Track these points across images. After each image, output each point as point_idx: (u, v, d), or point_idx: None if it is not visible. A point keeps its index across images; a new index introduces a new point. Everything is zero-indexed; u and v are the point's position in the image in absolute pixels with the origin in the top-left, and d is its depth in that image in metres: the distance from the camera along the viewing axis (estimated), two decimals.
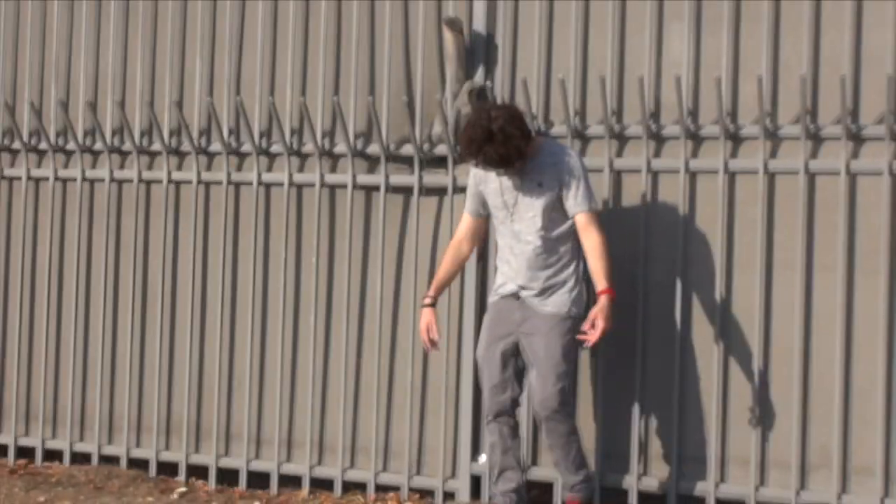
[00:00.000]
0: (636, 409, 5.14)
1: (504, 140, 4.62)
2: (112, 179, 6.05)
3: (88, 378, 6.08)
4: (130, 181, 6.02)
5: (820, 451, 4.93)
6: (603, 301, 4.73)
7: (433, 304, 5.03)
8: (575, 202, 4.79)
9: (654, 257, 5.14)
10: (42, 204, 6.22)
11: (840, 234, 4.89)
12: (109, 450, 6.01)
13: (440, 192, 5.53)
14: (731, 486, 5.02)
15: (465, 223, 5.07)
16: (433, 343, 4.98)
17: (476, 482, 5.38)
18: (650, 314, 5.14)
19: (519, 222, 4.82)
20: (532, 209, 4.80)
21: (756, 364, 4.99)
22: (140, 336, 6.00)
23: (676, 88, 4.97)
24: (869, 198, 4.88)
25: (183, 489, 5.70)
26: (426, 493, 5.47)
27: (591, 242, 4.77)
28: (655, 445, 5.14)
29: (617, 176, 5.22)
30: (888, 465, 4.84)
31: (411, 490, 5.48)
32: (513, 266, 4.87)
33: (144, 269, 6.01)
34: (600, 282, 4.75)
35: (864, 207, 4.89)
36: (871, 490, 4.85)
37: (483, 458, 5.35)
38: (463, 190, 5.40)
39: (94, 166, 6.14)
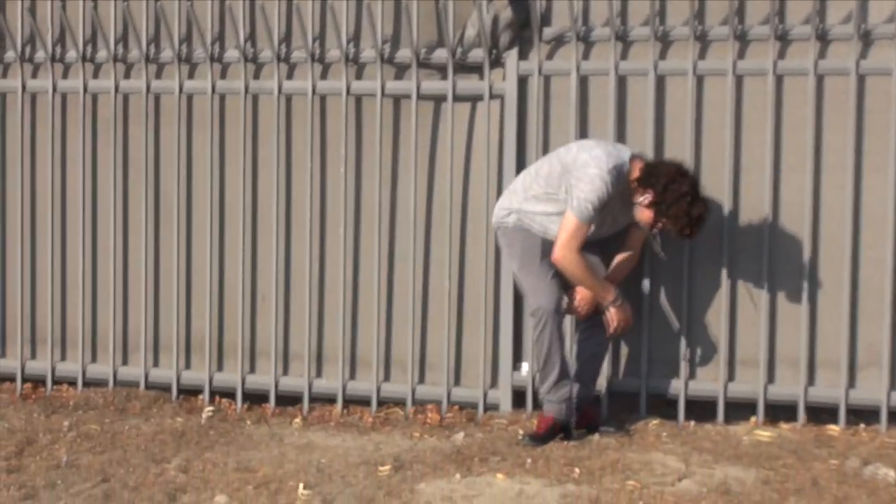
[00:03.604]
0: (684, 315, 5.14)
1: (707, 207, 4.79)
2: (118, 90, 5.76)
3: (99, 298, 5.84)
4: (139, 92, 5.73)
5: (869, 349, 4.99)
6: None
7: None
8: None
9: (702, 161, 5.10)
10: (41, 118, 5.89)
11: (891, 134, 4.91)
12: (125, 371, 5.80)
13: (473, 98, 5.39)
14: (781, 388, 5.07)
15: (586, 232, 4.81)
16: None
17: (517, 393, 5.33)
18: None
19: (607, 229, 4.92)
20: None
21: (805, 265, 5.02)
22: (154, 251, 5.76)
23: None
24: None
25: (210, 409, 5.53)
26: (465, 406, 5.41)
27: (635, 256, 5.02)
28: (703, 350, 5.15)
29: (660, 80, 5.15)
30: None
31: (450, 403, 5.40)
32: None
33: (156, 183, 5.76)
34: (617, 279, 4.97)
35: None
36: None
37: (524, 366, 5.30)
38: (498, 96, 5.31)
39: (95, 76, 5.83)
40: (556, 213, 4.83)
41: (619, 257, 4.98)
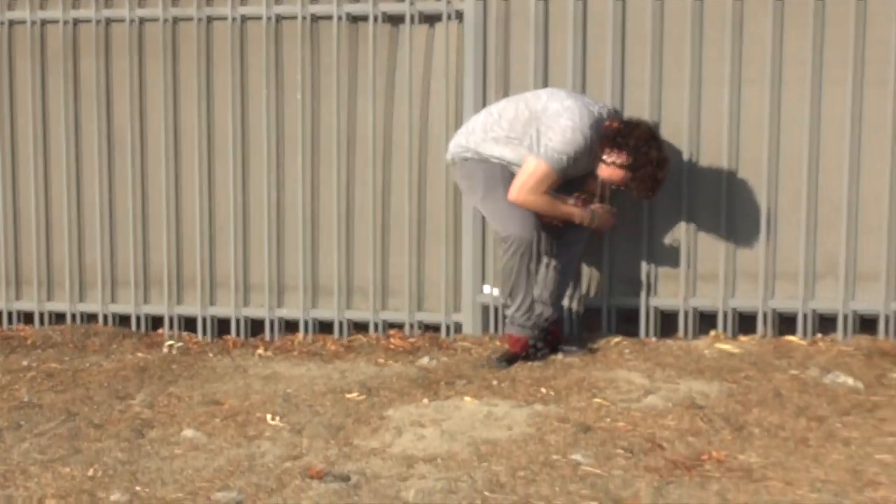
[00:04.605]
0: (645, 230, 5.15)
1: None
2: (66, 20, 5.60)
3: (53, 233, 5.74)
4: (88, 21, 5.58)
5: (827, 258, 5.04)
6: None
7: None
8: None
9: (663, 76, 5.07)
10: None
11: (849, 46, 4.91)
12: (82, 308, 5.73)
13: (431, 19, 5.31)
14: (741, 300, 5.11)
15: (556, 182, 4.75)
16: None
17: (482, 315, 5.33)
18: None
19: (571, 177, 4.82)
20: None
21: (765, 176, 5.03)
22: (108, 184, 5.66)
23: None
24: (877, 8, 4.90)
25: (171, 342, 5.49)
26: (428, 330, 5.41)
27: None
28: (665, 265, 5.17)
29: None
30: (892, 270, 4.99)
31: (413, 328, 5.40)
32: None
33: (108, 115, 5.64)
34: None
35: (874, 19, 4.91)
36: (876, 295, 5.01)
37: (487, 288, 5.29)
38: (457, 16, 5.24)
39: (43, 7, 5.67)
40: (515, 161, 4.78)
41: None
